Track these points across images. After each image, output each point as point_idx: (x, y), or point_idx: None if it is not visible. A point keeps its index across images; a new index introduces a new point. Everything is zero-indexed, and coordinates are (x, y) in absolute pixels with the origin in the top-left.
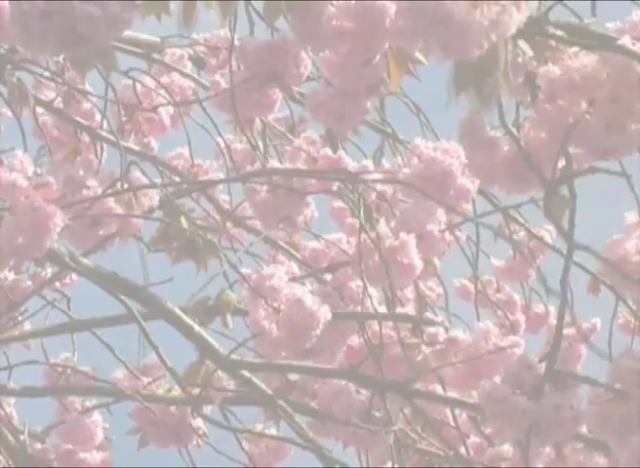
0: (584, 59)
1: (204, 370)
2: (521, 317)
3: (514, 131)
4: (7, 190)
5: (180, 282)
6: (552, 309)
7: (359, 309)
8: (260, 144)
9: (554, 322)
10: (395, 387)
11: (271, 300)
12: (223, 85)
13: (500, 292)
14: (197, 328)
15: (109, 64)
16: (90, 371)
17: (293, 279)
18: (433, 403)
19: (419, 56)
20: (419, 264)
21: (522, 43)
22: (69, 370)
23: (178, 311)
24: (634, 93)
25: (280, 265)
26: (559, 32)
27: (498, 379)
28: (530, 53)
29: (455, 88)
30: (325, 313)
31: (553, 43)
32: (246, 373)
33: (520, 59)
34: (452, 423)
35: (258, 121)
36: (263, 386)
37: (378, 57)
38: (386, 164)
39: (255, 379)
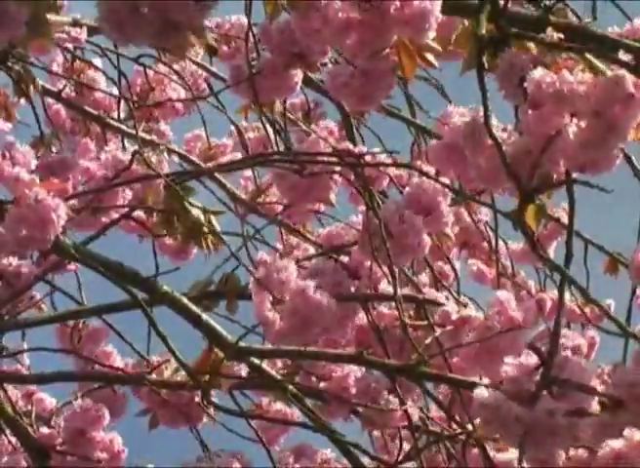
0: (581, 76)
1: (213, 357)
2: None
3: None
4: (10, 183)
5: (185, 273)
6: (567, 294)
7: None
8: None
9: (570, 306)
10: (404, 370)
11: (278, 293)
12: (244, 70)
13: (514, 277)
14: (205, 316)
15: (203, 40)
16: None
17: (306, 259)
18: (443, 385)
19: (432, 44)
20: (427, 241)
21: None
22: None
23: (185, 300)
24: (619, 109)
25: (295, 251)
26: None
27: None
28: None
29: None
30: (331, 304)
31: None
32: (255, 360)
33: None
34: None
35: (277, 104)
36: (273, 372)
37: (387, 49)
38: None
39: (264, 365)
